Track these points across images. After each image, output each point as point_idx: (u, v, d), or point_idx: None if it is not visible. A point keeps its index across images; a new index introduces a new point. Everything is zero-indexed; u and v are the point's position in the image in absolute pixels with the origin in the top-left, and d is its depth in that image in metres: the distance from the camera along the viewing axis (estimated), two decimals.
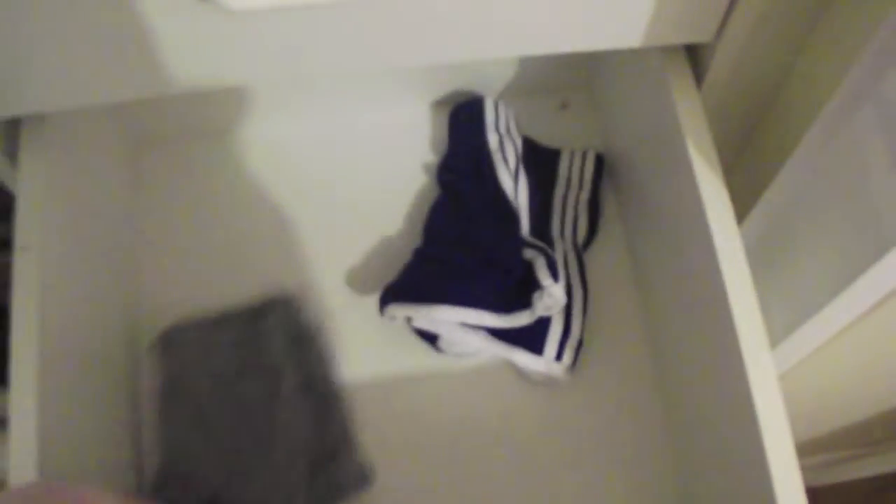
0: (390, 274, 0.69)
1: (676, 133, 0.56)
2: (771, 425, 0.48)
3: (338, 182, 0.75)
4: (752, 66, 0.58)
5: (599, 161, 0.75)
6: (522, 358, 0.66)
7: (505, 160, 0.71)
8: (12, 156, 0.57)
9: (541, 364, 0.66)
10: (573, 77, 0.78)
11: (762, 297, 0.57)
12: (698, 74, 0.58)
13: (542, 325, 0.66)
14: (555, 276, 0.64)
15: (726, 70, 0.56)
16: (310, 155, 0.76)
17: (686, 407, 0.63)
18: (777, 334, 0.61)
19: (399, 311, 0.64)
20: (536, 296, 0.63)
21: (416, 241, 0.71)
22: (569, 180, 0.74)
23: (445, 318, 0.64)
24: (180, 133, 0.77)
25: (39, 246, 0.54)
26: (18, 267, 0.53)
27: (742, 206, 0.64)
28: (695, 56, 0.58)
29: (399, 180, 0.75)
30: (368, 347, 0.69)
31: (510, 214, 0.69)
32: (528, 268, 0.65)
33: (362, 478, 0.62)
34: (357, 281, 0.71)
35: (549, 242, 0.70)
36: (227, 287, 0.69)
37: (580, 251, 0.71)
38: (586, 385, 0.68)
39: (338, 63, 0.53)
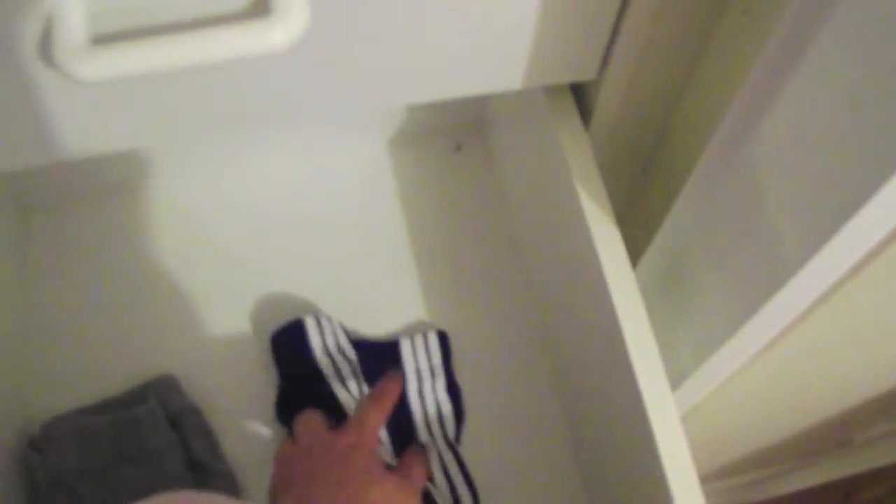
0: None
1: (564, 173, 0.55)
2: (676, 471, 0.47)
3: (232, 242, 0.72)
4: (640, 101, 0.57)
5: (443, 339, 0.68)
6: None
7: (344, 384, 0.64)
8: None
9: None
10: (466, 118, 0.77)
11: (670, 333, 0.56)
12: (586, 114, 0.56)
13: None
14: None
15: (614, 107, 0.55)
16: (205, 215, 0.73)
17: (600, 463, 0.62)
18: (687, 366, 0.60)
19: None
20: None
21: (314, 306, 0.68)
22: (418, 372, 0.67)
23: None
24: (71, 196, 0.73)
25: None
26: None
27: (643, 244, 0.64)
28: (581, 95, 0.57)
29: (296, 239, 0.73)
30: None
31: None
32: None
33: None
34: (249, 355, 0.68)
35: (419, 447, 0.64)
36: (120, 365, 0.66)
37: (455, 447, 0.65)
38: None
39: (215, 126, 0.50)
